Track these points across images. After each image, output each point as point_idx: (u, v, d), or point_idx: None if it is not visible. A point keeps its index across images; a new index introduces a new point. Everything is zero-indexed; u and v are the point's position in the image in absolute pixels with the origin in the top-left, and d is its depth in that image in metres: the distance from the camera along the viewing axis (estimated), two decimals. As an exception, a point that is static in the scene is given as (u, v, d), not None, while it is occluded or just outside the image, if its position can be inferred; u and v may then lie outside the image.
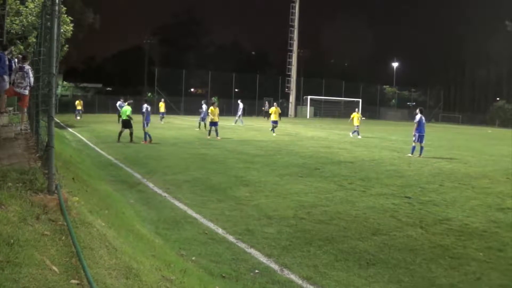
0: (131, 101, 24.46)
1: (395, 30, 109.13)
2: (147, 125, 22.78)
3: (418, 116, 21.24)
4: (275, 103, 37.37)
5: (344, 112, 76.14)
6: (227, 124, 37.83)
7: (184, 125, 38.80)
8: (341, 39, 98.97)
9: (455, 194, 12.51)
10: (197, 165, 15.97)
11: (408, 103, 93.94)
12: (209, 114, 26.59)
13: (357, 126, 31.18)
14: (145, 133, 22.73)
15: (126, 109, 22.89)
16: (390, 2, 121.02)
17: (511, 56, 76.91)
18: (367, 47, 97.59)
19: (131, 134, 22.67)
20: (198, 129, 33.42)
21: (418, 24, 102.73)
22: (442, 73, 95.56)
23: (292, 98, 75.88)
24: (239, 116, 43.59)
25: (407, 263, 7.01)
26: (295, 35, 75.07)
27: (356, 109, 34.12)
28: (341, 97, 78.59)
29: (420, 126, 20.93)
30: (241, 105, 44.43)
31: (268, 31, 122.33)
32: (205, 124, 32.48)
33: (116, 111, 36.41)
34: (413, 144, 21.21)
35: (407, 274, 6.57)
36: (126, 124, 22.64)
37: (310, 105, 73.85)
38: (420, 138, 20.92)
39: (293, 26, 74.97)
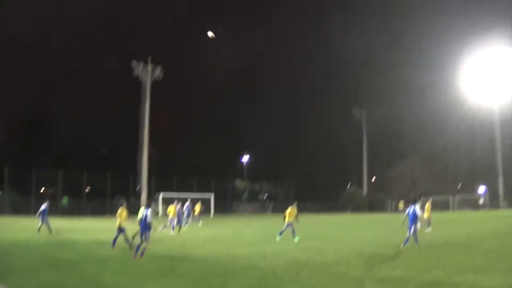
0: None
1: (244, 125, 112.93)
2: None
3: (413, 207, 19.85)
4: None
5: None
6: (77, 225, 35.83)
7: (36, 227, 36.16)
8: (191, 137, 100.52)
9: (313, 282, 12.44)
10: (49, 269, 14.58)
11: (260, 196, 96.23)
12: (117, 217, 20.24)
13: None
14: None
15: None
16: (238, 98, 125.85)
17: (358, 142, 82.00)
18: (218, 142, 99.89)
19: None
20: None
21: (267, 120, 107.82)
22: (292, 165, 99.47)
23: (143, 196, 74.64)
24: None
25: None
26: (145, 134, 74.94)
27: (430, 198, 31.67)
28: (193, 192, 78.83)
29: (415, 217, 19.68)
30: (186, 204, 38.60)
31: (117, 130, 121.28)
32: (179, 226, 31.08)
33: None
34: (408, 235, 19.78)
35: None
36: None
37: (163, 203, 73.01)
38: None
39: (143, 125, 74.94)
